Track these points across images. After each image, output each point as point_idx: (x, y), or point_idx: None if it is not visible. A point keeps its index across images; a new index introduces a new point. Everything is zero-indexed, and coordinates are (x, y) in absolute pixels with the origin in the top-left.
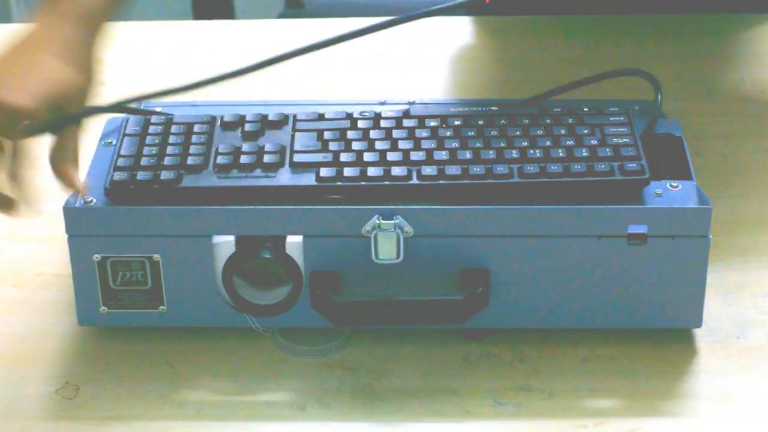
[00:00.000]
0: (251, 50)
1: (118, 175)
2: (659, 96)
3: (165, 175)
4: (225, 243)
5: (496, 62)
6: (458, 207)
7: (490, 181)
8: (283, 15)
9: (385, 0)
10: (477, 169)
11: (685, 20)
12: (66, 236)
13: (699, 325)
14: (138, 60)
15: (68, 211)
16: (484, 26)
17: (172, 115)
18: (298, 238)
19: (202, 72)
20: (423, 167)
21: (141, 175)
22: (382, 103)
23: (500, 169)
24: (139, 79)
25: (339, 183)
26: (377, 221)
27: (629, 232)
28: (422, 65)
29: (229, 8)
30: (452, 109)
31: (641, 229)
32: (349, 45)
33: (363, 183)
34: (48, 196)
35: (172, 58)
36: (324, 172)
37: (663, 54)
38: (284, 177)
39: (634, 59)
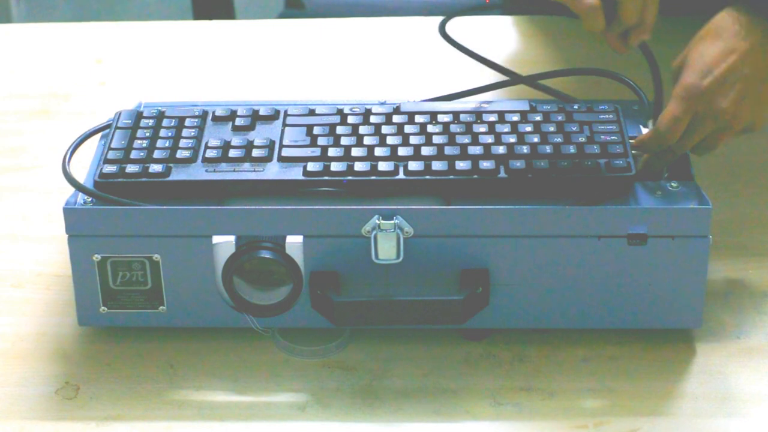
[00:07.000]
0: (251, 50)
1: (107, 168)
2: (644, 100)
3: (153, 168)
4: (225, 243)
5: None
6: (458, 207)
7: (475, 177)
8: (283, 15)
9: (385, 0)
10: (463, 165)
11: (686, 21)
12: (66, 236)
13: (699, 325)
14: (138, 60)
15: (68, 211)
16: (484, 27)
17: (165, 108)
18: (298, 238)
19: (202, 72)
20: (410, 162)
21: (130, 168)
22: (382, 104)
23: (486, 164)
24: (139, 79)
25: (326, 177)
26: (377, 221)
27: (629, 232)
28: (423, 66)
29: (229, 8)
30: (442, 106)
31: (641, 229)
32: (350, 46)
33: (350, 178)
34: (48, 196)
35: (172, 58)
36: (311, 166)
37: (663, 55)
38: (272, 171)
39: (635, 60)
